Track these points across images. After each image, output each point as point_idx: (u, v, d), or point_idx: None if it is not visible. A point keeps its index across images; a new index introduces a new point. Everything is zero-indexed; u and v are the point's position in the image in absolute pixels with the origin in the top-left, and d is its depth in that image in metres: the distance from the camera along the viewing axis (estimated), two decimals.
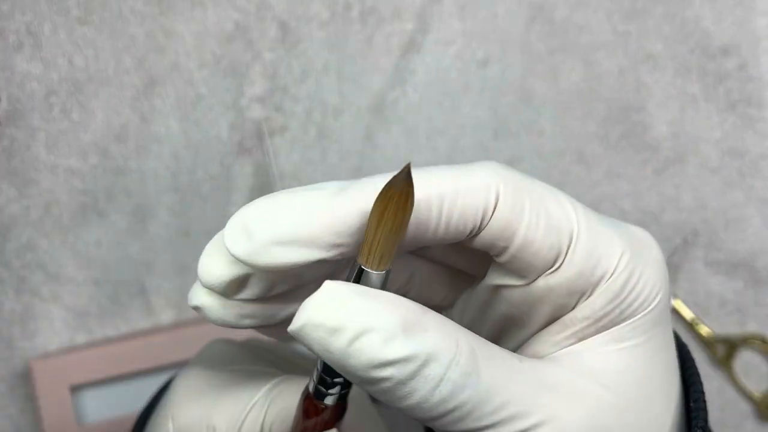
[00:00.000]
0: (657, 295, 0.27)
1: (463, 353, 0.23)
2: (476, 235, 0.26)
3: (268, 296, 0.27)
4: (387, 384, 0.23)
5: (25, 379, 0.46)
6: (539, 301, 0.27)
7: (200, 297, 0.26)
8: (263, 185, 0.47)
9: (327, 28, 0.47)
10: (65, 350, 0.46)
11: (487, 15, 0.48)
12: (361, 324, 0.22)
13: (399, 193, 0.24)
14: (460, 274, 0.30)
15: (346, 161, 0.48)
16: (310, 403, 0.29)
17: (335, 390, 0.29)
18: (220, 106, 0.47)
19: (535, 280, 0.26)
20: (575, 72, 0.49)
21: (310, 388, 0.29)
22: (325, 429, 0.30)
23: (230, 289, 0.26)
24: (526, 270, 0.26)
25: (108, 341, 0.46)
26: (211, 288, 0.26)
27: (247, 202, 0.49)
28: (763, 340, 0.51)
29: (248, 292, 0.26)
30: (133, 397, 0.46)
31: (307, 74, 0.47)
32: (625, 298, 0.26)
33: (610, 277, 0.26)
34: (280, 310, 0.27)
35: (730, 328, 0.52)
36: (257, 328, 0.28)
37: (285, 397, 0.31)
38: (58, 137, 0.45)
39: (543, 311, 0.27)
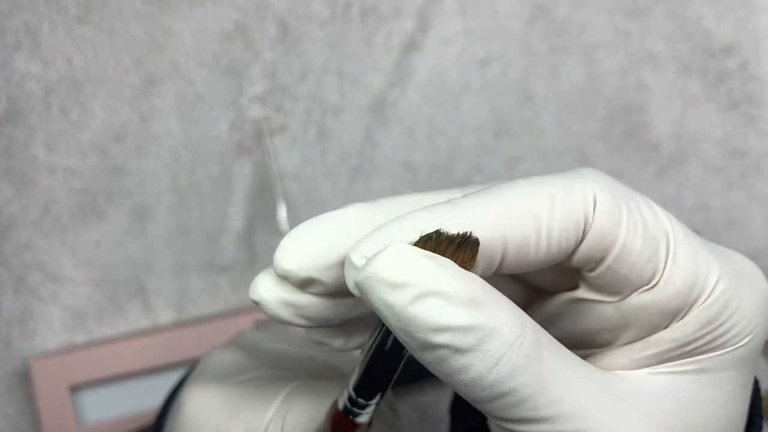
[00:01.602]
0: (753, 330, 0.25)
1: (527, 336, 0.22)
2: (577, 249, 0.24)
3: (332, 297, 0.26)
4: (444, 352, 0.22)
5: (24, 379, 0.46)
6: (628, 320, 0.25)
7: (260, 292, 0.26)
8: (263, 185, 0.47)
9: (327, 27, 0.47)
10: (64, 350, 0.46)
11: (487, 14, 0.48)
12: (427, 284, 0.22)
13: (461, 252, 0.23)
14: (532, 287, 0.29)
15: (346, 161, 0.48)
16: (340, 420, 0.29)
17: (368, 409, 0.28)
18: (219, 105, 0.46)
19: (627, 296, 0.25)
20: (576, 71, 0.49)
21: (340, 405, 0.28)
22: None
23: (304, 283, 0.25)
24: (620, 285, 0.25)
25: (107, 341, 0.46)
26: (286, 277, 0.25)
27: (247, 203, 0.49)
28: None
29: (315, 289, 0.25)
30: (132, 397, 0.46)
31: (307, 74, 0.47)
32: (719, 326, 0.25)
33: (705, 300, 0.24)
34: (338, 315, 0.27)
35: None
36: (309, 328, 0.27)
37: (300, 408, 0.31)
38: (57, 137, 0.45)
39: (630, 331, 0.25)
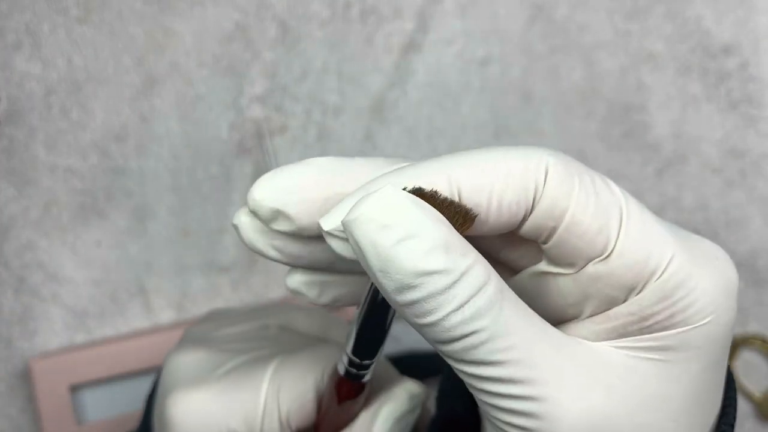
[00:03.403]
0: (715, 311, 0.26)
1: (492, 284, 0.24)
2: (527, 217, 0.25)
3: (301, 237, 0.28)
4: (417, 294, 0.23)
5: (24, 379, 0.46)
6: (587, 292, 0.26)
7: (241, 217, 0.28)
8: None
9: (327, 27, 0.47)
10: (65, 350, 0.46)
11: (487, 14, 0.48)
12: (411, 228, 0.23)
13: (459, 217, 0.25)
14: (501, 265, 0.30)
15: None
16: (345, 385, 0.30)
17: (371, 368, 0.30)
18: (219, 105, 0.46)
19: (583, 267, 0.26)
20: (576, 71, 0.49)
21: (341, 371, 0.30)
22: (366, 405, 0.31)
23: (270, 216, 0.27)
24: (573, 256, 0.25)
25: (107, 341, 0.46)
26: (255, 209, 0.27)
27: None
28: (763, 341, 0.51)
29: (282, 225, 0.27)
30: (132, 397, 0.46)
31: (307, 74, 0.47)
32: (675, 303, 0.25)
33: (662, 274, 0.25)
34: (309, 254, 0.28)
35: None
36: (279, 262, 0.29)
37: (290, 384, 0.32)
38: (58, 137, 0.45)
39: (590, 303, 0.26)
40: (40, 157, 0.45)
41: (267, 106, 0.47)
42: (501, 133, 0.49)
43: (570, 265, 0.26)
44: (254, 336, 0.36)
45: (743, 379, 0.51)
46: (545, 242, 0.26)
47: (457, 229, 0.24)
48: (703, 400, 0.27)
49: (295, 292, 0.29)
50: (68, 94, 0.45)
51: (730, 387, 0.29)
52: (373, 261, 0.23)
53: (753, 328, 0.52)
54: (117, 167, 0.46)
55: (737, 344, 0.51)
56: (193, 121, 0.46)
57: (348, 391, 0.31)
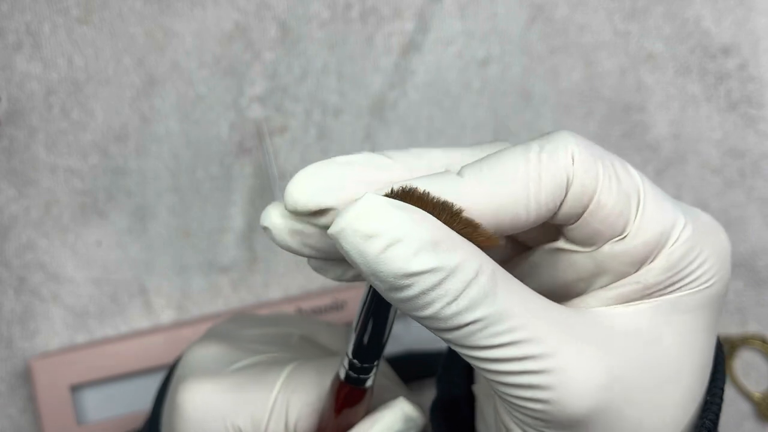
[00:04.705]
0: (713, 278, 0.27)
1: (484, 274, 0.24)
2: (561, 207, 0.26)
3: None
4: (410, 292, 0.24)
5: (25, 378, 0.46)
6: (601, 267, 0.27)
7: (271, 218, 0.27)
8: (263, 185, 0.47)
9: (327, 27, 0.47)
10: (65, 350, 0.46)
11: (487, 15, 0.48)
12: (395, 233, 0.23)
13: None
14: (514, 241, 0.30)
15: None
16: (345, 391, 0.30)
17: (372, 372, 0.29)
18: (220, 106, 0.47)
19: (600, 247, 0.27)
20: (575, 72, 0.49)
21: (342, 376, 0.30)
22: (368, 412, 0.31)
23: (314, 214, 0.27)
24: (594, 237, 0.26)
25: (108, 341, 0.46)
26: (295, 209, 0.26)
27: (247, 203, 0.49)
28: (763, 341, 0.51)
29: (321, 221, 0.27)
30: (132, 397, 0.46)
31: (307, 74, 0.47)
32: (679, 272, 0.27)
33: (671, 247, 0.27)
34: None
35: (731, 328, 0.51)
36: (313, 258, 0.29)
37: (303, 389, 0.32)
38: (58, 137, 0.45)
39: (602, 277, 0.27)
40: (41, 157, 0.45)
41: (267, 106, 0.47)
42: (501, 133, 0.49)
43: (588, 244, 0.27)
44: (275, 341, 0.36)
45: (743, 379, 0.51)
46: (569, 225, 0.27)
47: (477, 241, 0.25)
48: (699, 361, 0.28)
49: (318, 271, 0.29)
50: (69, 95, 0.45)
51: (719, 353, 0.30)
52: (363, 268, 0.24)
53: (753, 328, 0.52)
54: (117, 167, 0.46)
55: (737, 344, 0.51)
56: (193, 121, 0.46)
57: (348, 397, 0.30)
